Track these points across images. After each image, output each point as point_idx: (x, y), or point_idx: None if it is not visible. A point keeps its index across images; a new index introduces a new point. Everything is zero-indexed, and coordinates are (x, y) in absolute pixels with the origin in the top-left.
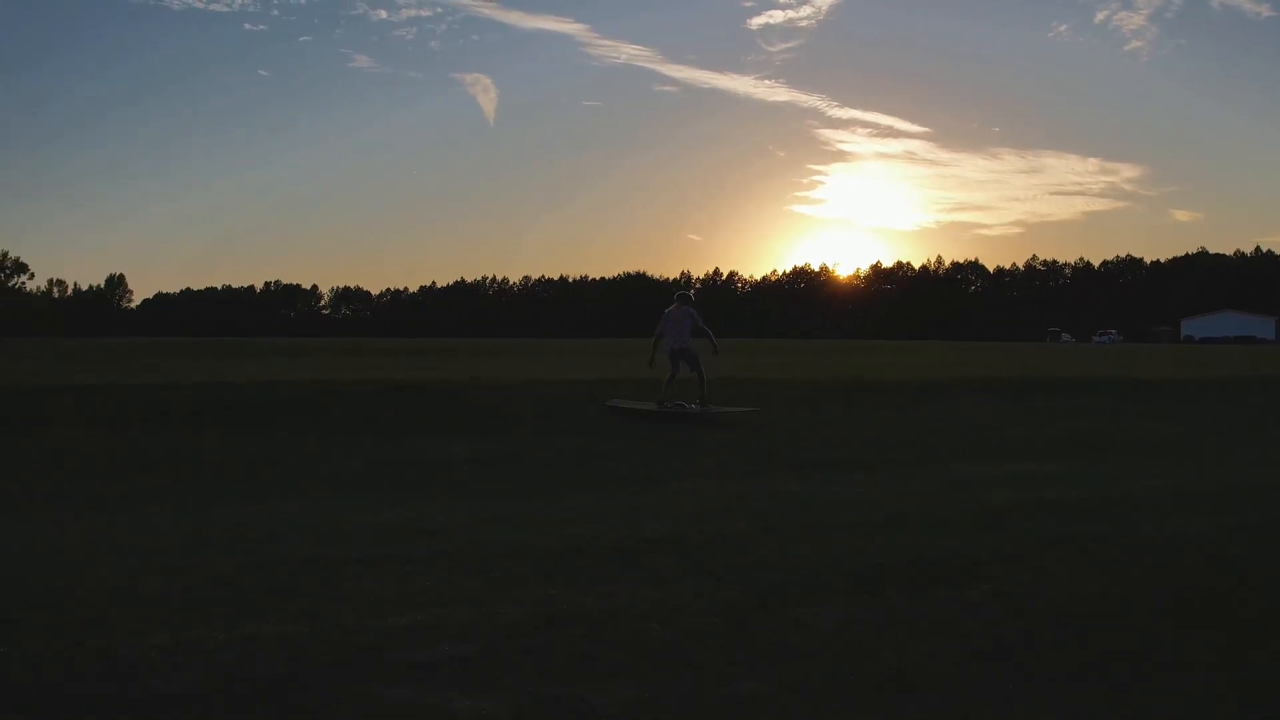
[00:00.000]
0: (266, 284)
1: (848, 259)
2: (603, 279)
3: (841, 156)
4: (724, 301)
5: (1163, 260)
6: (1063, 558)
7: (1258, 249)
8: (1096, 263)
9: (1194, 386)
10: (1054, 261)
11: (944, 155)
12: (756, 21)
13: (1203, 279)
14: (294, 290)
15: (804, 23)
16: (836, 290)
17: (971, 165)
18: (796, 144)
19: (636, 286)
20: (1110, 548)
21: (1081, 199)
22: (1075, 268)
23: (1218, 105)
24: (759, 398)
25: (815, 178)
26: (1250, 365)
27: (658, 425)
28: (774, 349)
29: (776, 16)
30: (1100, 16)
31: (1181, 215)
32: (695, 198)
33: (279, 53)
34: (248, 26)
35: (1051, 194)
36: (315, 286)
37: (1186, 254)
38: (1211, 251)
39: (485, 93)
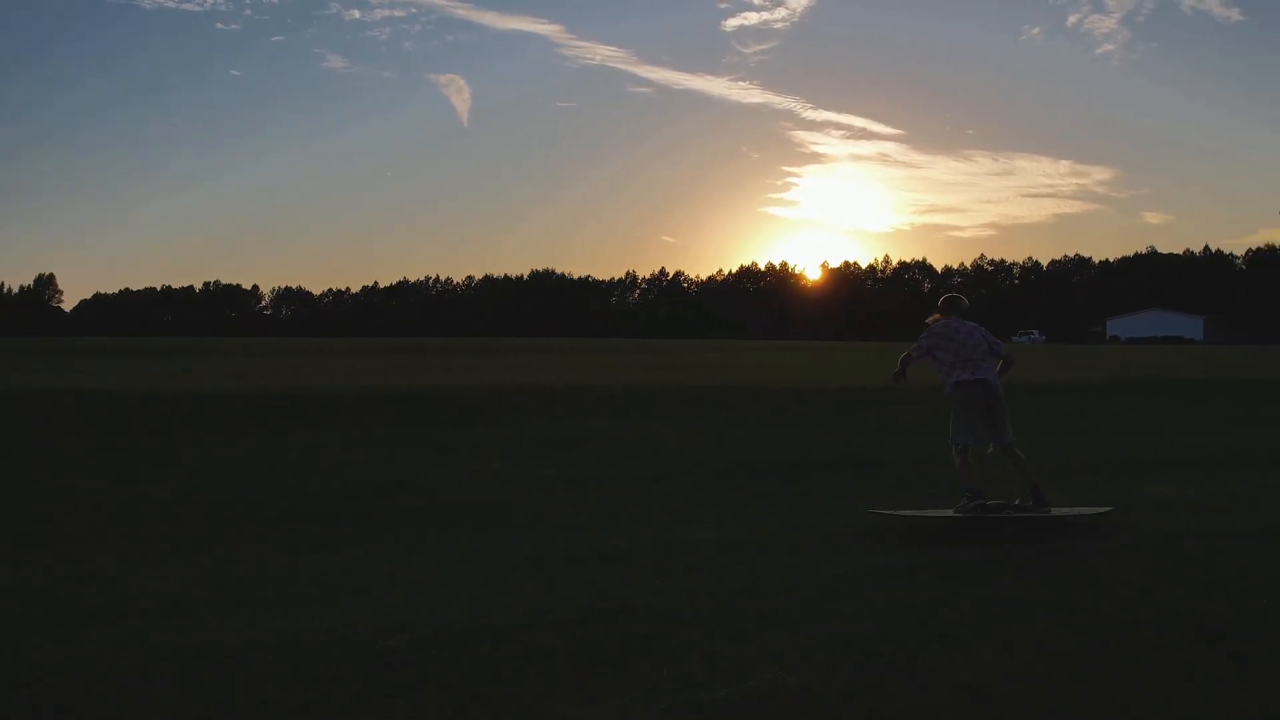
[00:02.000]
0: (205, 284)
1: (819, 260)
2: (512, 277)
3: (815, 158)
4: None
5: (1111, 260)
6: None
7: (1206, 249)
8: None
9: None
10: (1002, 261)
11: (917, 157)
12: (731, 23)
13: (1150, 278)
14: (233, 290)
15: (778, 25)
16: (794, 290)
17: (944, 167)
18: (770, 146)
19: (547, 287)
20: None
21: (1053, 201)
22: (1024, 267)
23: (1188, 108)
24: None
25: (789, 179)
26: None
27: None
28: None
29: (751, 18)
30: (1072, 20)
31: (1152, 218)
32: (669, 199)
33: (251, 53)
34: (220, 26)
35: (1023, 196)
36: (256, 287)
37: (1136, 253)
38: (1163, 251)
39: (459, 93)
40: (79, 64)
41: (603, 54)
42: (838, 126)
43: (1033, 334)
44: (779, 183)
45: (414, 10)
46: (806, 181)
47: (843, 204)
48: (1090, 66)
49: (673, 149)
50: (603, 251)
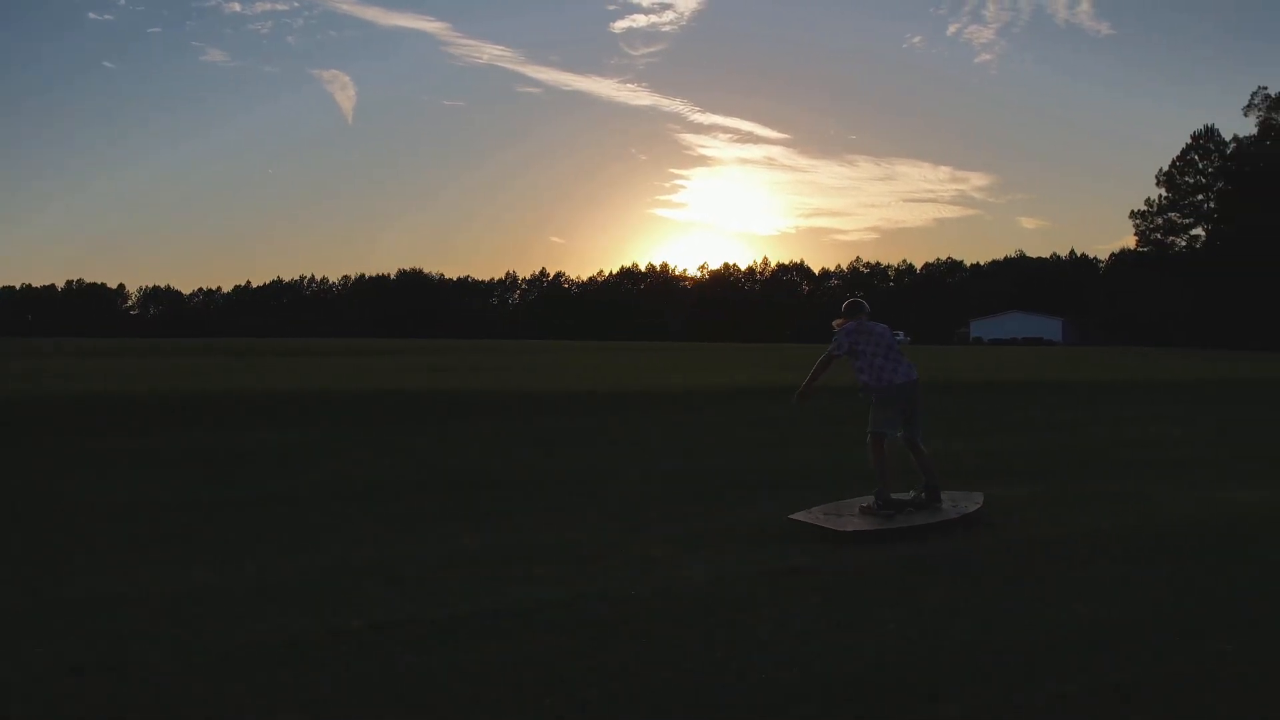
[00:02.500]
0: (68, 283)
1: (703, 263)
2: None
3: (703, 161)
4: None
5: (982, 263)
6: None
7: (1072, 253)
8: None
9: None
10: (878, 264)
11: (803, 161)
12: (620, 25)
13: (1016, 282)
14: (97, 290)
15: (667, 28)
16: (675, 292)
17: (829, 172)
18: (659, 148)
19: (419, 286)
20: None
21: (934, 206)
22: (899, 270)
23: (1062, 117)
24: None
25: (677, 182)
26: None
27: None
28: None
29: (640, 20)
30: (952, 29)
31: (1028, 223)
32: (558, 200)
33: (126, 45)
34: (92, 15)
35: (905, 201)
36: (122, 286)
37: (1006, 257)
38: (1032, 256)
39: (344, 90)
40: None
41: (491, 53)
42: (725, 130)
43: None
44: (667, 185)
45: (297, 4)
46: (694, 184)
47: (730, 206)
48: (969, 75)
49: (562, 150)
50: (494, 252)
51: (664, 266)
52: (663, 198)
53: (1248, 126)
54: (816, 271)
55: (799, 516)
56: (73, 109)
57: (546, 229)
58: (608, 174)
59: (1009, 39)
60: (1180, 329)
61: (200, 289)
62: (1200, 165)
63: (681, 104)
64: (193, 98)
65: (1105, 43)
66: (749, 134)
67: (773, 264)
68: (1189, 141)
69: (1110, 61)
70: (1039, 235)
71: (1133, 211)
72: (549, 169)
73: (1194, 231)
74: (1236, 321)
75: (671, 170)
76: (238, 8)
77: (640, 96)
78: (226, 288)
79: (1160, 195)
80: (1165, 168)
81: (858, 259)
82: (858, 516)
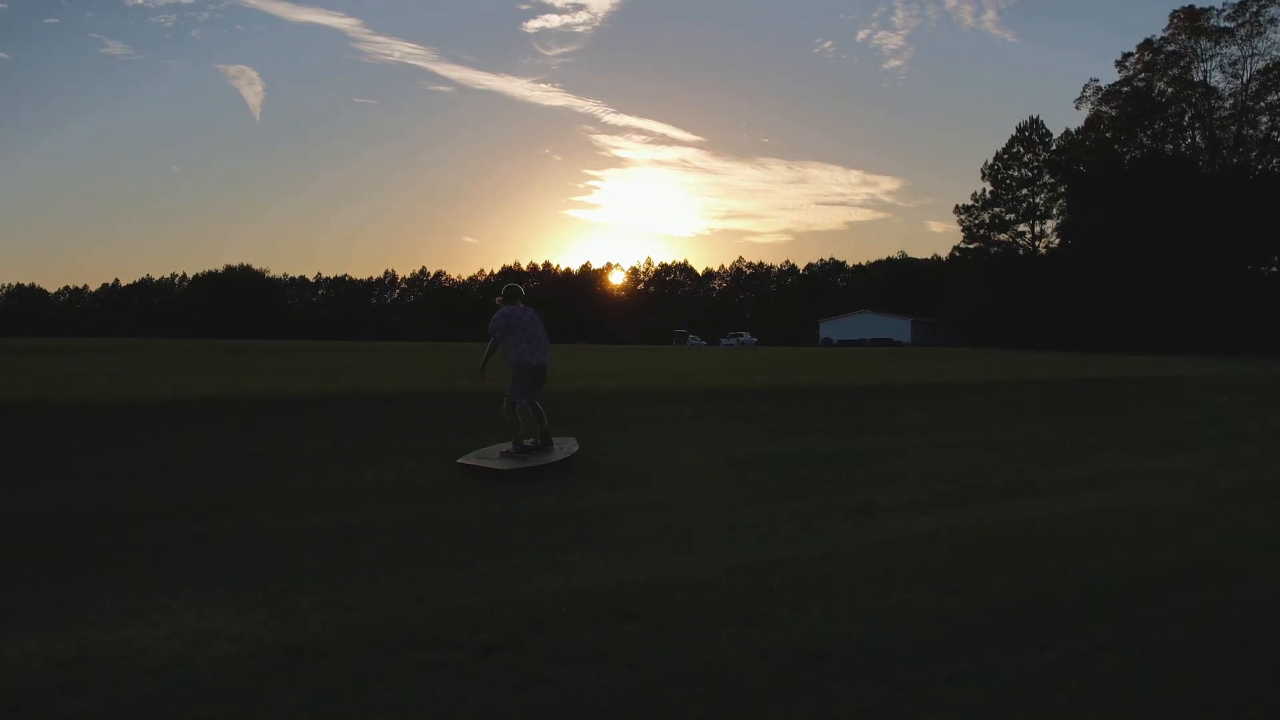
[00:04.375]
0: None
1: (618, 264)
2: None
3: (617, 162)
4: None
5: (865, 264)
6: None
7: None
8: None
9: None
10: (761, 264)
11: (716, 164)
12: (533, 25)
13: (888, 282)
14: None
15: (580, 28)
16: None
17: (742, 174)
18: (573, 148)
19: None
20: None
21: (845, 209)
22: (780, 270)
23: (967, 121)
24: None
25: (591, 183)
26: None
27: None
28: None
29: (553, 20)
30: (862, 35)
31: (936, 226)
32: (471, 199)
33: (20, 34)
34: None
35: (817, 204)
36: None
37: (889, 258)
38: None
39: (250, 85)
40: None
41: (401, 50)
42: (639, 131)
43: (743, 336)
44: (581, 185)
45: None
46: (608, 185)
47: (644, 208)
48: (879, 80)
49: (475, 149)
50: (410, 251)
51: (546, 265)
52: (577, 199)
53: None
54: (700, 272)
55: (466, 460)
56: None
57: (460, 229)
58: (522, 174)
59: (918, 45)
60: (1025, 330)
61: (66, 287)
62: (1025, 158)
63: (595, 105)
64: (90, 90)
65: (1010, 49)
66: (663, 136)
67: (655, 264)
68: (1014, 133)
69: (1013, 67)
70: (948, 239)
71: (957, 206)
72: (462, 168)
73: (1020, 228)
74: (1087, 323)
75: (585, 171)
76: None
77: (554, 97)
78: (94, 286)
79: (984, 189)
80: (990, 160)
81: (740, 259)
82: (501, 459)
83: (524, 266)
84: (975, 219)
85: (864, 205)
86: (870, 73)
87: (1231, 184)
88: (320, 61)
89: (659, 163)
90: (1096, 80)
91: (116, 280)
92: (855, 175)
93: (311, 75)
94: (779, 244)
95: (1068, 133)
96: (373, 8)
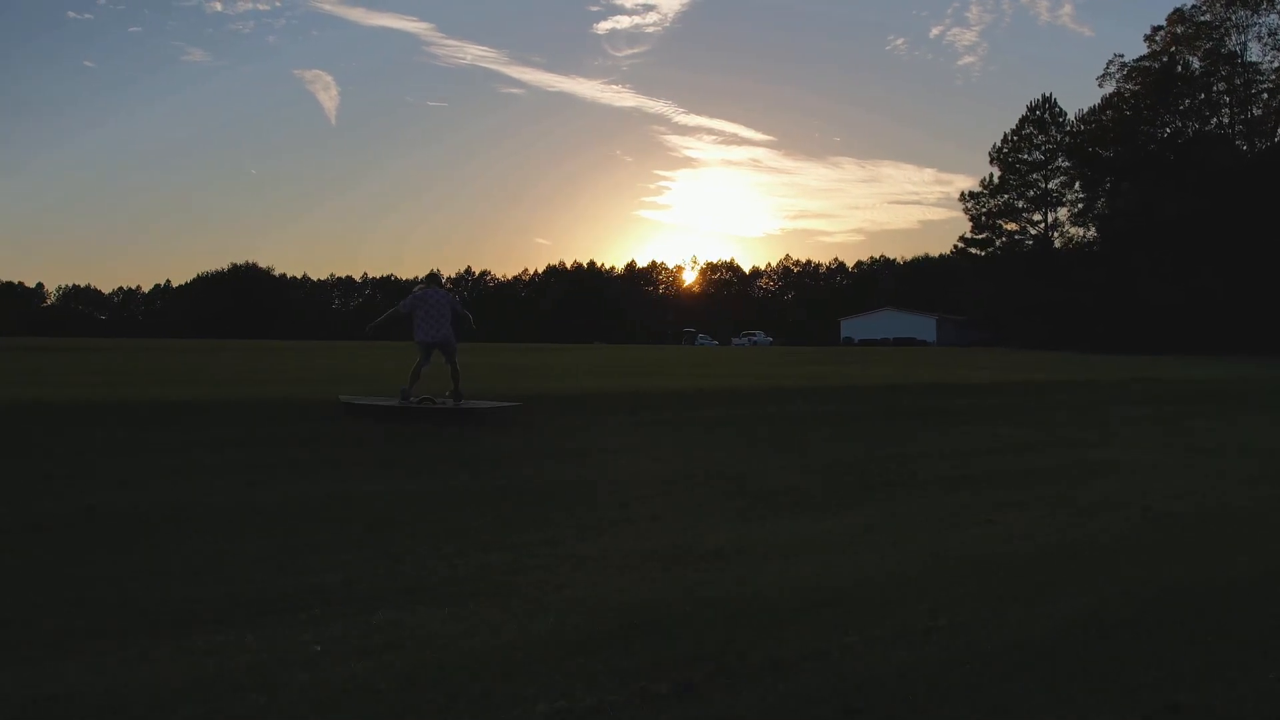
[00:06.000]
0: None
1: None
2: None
3: (688, 163)
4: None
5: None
6: None
7: None
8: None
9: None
10: (809, 261)
11: (788, 163)
12: (603, 26)
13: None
14: (10, 289)
15: (650, 29)
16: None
17: (814, 174)
18: (643, 149)
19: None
20: None
21: (918, 208)
22: (829, 269)
23: None
24: None
25: (662, 183)
26: None
27: (402, 424)
28: None
29: (623, 21)
30: (935, 31)
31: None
32: (543, 201)
33: (105, 44)
34: (71, 14)
35: (890, 203)
36: (41, 285)
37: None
38: None
39: (326, 90)
40: None
41: (474, 53)
42: (710, 131)
43: (755, 336)
44: (652, 186)
45: (278, 4)
46: (679, 185)
47: (715, 208)
48: (952, 77)
49: (545, 150)
50: (481, 252)
51: (590, 264)
52: (647, 199)
53: None
54: (748, 271)
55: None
56: (53, 107)
57: (532, 230)
58: (592, 175)
59: (991, 41)
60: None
61: (120, 288)
62: (1037, 140)
63: (666, 105)
64: (172, 97)
65: (1089, 43)
66: (734, 135)
67: (701, 263)
68: (1024, 113)
69: (1093, 63)
70: None
71: (963, 194)
72: (533, 169)
73: (1034, 216)
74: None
75: (656, 172)
76: (219, 7)
77: (624, 98)
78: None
79: (992, 174)
80: (998, 144)
81: (787, 256)
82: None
83: (600, 265)
84: (982, 207)
85: (938, 204)
86: (944, 69)
87: (1271, 166)
88: (394, 65)
89: (729, 163)
90: (1121, 55)
91: (168, 281)
92: (929, 173)
93: (385, 78)
94: (850, 243)
95: (1090, 111)
96: (445, 11)
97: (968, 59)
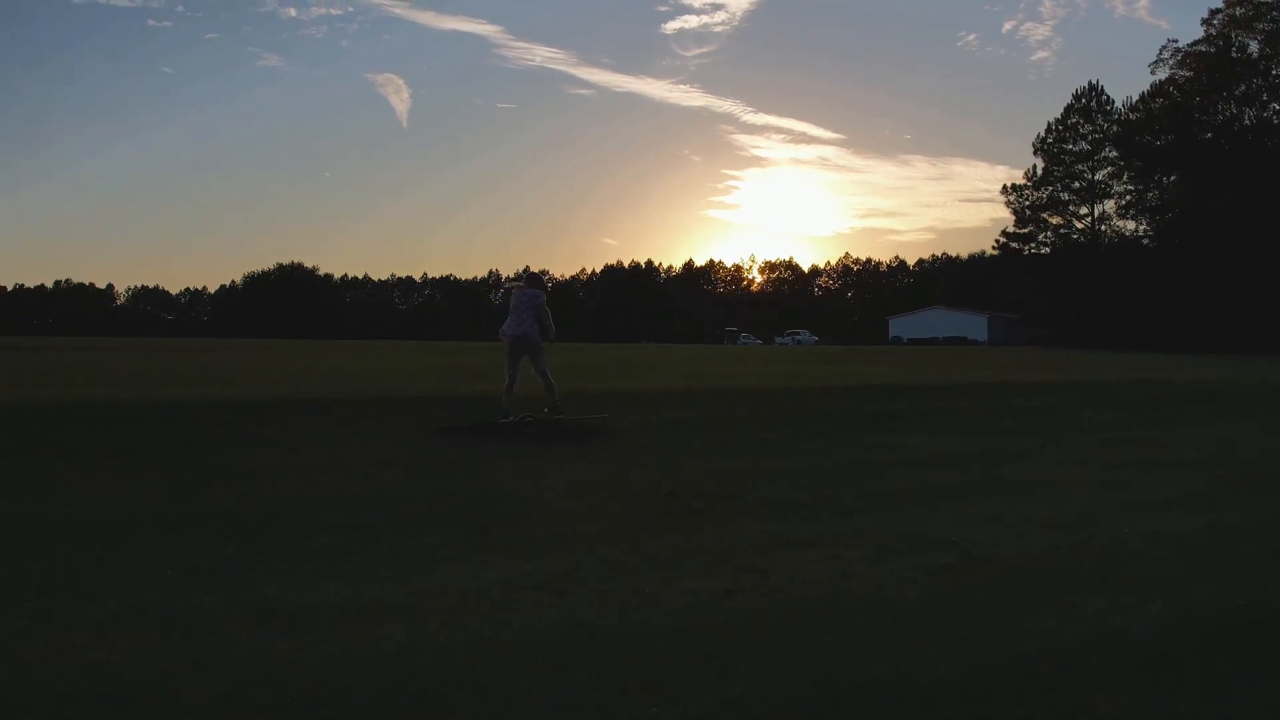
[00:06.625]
0: (56, 283)
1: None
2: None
3: (756, 162)
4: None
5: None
6: None
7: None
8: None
9: None
10: (869, 260)
11: (857, 161)
12: (671, 26)
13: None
14: (83, 290)
15: (718, 28)
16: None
17: (883, 172)
18: (711, 149)
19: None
20: None
21: (990, 206)
22: (890, 267)
23: None
24: None
25: (730, 183)
26: None
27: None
28: None
29: (691, 21)
30: (1008, 26)
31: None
32: (611, 201)
33: (184, 50)
34: (151, 23)
35: (961, 200)
36: (111, 286)
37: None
38: None
39: (398, 93)
40: (3, 61)
41: (542, 55)
42: (778, 130)
43: (799, 335)
44: (720, 185)
45: (350, 9)
46: (748, 185)
47: (784, 207)
48: (1025, 73)
49: (614, 150)
50: (548, 253)
51: (648, 263)
52: (715, 199)
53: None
54: (807, 270)
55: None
56: (131, 113)
57: (600, 230)
58: (660, 174)
59: (1065, 36)
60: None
61: (187, 288)
62: (1084, 130)
63: (734, 105)
64: (248, 101)
65: (1165, 36)
66: (802, 134)
67: (759, 261)
68: (1070, 101)
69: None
70: None
71: (1005, 186)
72: (602, 170)
73: (1080, 209)
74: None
75: (724, 171)
76: (293, 13)
77: (692, 97)
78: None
79: (1036, 166)
80: (1042, 134)
81: (846, 254)
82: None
83: (659, 265)
84: (1025, 200)
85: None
86: (1016, 65)
87: None
88: (463, 67)
89: (798, 161)
90: (1175, 41)
91: (232, 282)
92: (1000, 171)
93: (456, 81)
94: (921, 242)
95: (1139, 99)
96: (514, 13)
97: (1041, 54)
